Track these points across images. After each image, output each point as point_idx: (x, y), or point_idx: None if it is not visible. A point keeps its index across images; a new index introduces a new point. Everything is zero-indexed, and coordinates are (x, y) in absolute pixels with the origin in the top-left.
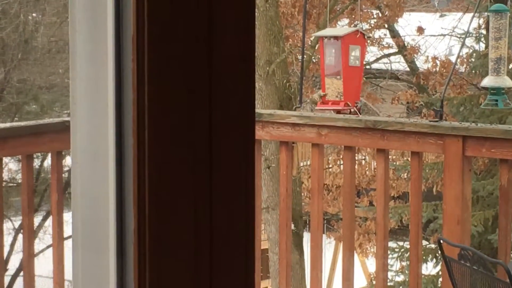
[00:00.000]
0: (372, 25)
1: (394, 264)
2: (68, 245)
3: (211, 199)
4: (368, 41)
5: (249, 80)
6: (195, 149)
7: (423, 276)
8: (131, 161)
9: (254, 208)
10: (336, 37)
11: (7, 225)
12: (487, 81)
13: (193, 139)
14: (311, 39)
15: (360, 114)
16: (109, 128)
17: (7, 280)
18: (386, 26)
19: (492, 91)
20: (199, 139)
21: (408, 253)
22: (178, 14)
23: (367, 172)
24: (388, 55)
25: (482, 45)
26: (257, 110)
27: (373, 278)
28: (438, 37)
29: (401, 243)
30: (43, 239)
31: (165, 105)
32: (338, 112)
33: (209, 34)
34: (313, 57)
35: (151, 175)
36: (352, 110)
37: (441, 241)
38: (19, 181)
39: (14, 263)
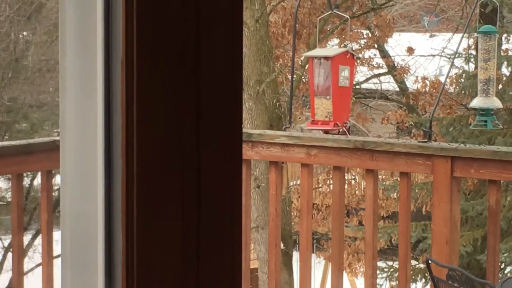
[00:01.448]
0: (362, 45)
1: (384, 283)
2: (57, 264)
3: (199, 221)
4: (358, 61)
5: (236, 101)
6: (183, 171)
7: None
8: (119, 183)
9: (241, 229)
10: (326, 58)
11: None
12: (476, 102)
13: (181, 161)
14: (301, 59)
15: (349, 134)
16: (98, 149)
17: None
18: (376, 46)
19: (481, 112)
20: (187, 161)
21: (398, 273)
22: (166, 37)
23: (357, 192)
24: (378, 75)
25: (472, 66)
26: (246, 130)
27: None
28: (428, 57)
29: (390, 263)
30: (33, 258)
31: (154, 128)
32: (327, 132)
33: (197, 57)
34: (303, 77)
35: (140, 196)
36: (341, 130)
37: (430, 262)
38: (9, 200)
39: (3, 282)
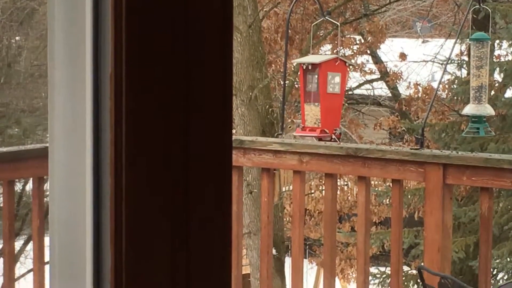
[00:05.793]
0: (355, 51)
1: None
2: (48, 270)
3: (188, 239)
4: (351, 66)
5: (226, 117)
6: (172, 187)
7: None
8: (108, 200)
9: (231, 247)
10: (314, 64)
11: None
12: (468, 109)
13: (170, 178)
14: (294, 64)
15: (340, 141)
16: (87, 166)
17: None
18: (368, 52)
19: (473, 119)
20: (175, 178)
21: (390, 279)
22: (156, 53)
23: (349, 198)
24: (370, 81)
25: (464, 72)
26: (238, 137)
27: None
28: (421, 63)
29: (382, 269)
30: (24, 263)
31: (142, 145)
32: (320, 139)
33: (187, 71)
34: (295, 83)
35: (128, 214)
36: (332, 137)
37: (422, 270)
38: (0, 205)
39: None
